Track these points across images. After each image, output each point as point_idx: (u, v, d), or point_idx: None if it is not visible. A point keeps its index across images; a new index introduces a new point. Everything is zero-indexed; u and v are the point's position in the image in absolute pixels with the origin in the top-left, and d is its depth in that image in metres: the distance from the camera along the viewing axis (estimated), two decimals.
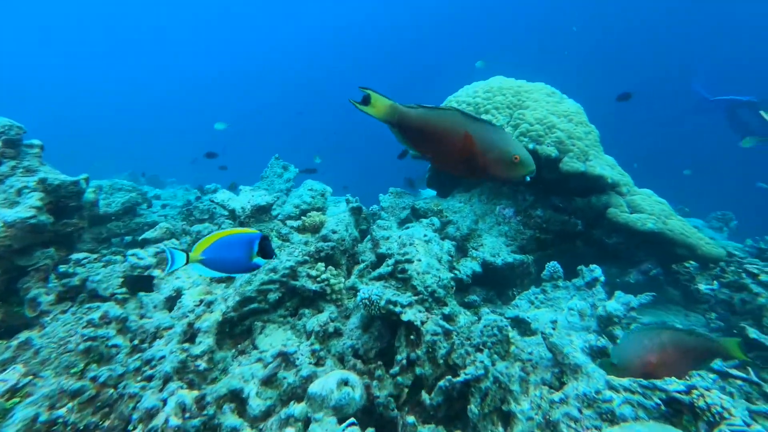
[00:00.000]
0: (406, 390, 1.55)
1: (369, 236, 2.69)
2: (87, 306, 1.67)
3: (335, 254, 2.30)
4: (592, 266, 2.44)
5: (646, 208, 2.67)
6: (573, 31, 19.03)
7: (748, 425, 1.16)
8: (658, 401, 1.36)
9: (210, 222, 2.79)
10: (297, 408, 1.20)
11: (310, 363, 1.58)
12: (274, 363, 1.42)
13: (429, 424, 1.50)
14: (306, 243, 2.09)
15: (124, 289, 1.69)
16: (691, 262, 2.55)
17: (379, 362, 1.56)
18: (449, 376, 1.57)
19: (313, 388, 1.25)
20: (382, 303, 1.72)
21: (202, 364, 1.40)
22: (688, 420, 1.31)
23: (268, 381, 1.39)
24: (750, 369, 1.57)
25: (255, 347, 1.56)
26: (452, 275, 2.36)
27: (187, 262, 1.10)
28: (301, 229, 2.17)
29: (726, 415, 1.20)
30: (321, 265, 2.01)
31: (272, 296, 1.69)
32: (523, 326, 2.42)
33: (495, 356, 1.81)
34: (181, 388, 1.31)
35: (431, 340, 1.70)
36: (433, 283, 2.20)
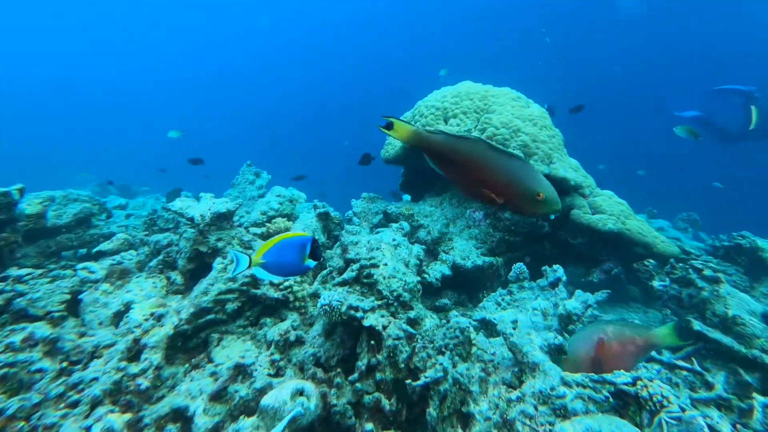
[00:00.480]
0: (367, 396, 1.56)
1: (339, 242, 2.71)
2: (10, 328, 1.58)
3: None
4: (555, 266, 2.52)
5: (607, 209, 2.79)
6: (546, 42, 19.68)
7: (684, 411, 1.23)
8: (607, 394, 1.42)
9: (174, 231, 2.74)
10: (247, 422, 1.20)
11: (268, 374, 1.57)
12: (225, 376, 1.41)
13: (388, 430, 1.51)
14: None
15: (62, 307, 1.63)
16: (650, 260, 2.67)
17: (338, 370, 1.57)
18: (409, 380, 1.59)
19: (266, 400, 1.25)
20: (344, 309, 1.73)
21: (144, 382, 1.36)
22: (633, 410, 1.37)
23: (218, 396, 1.37)
24: (694, 360, 1.66)
25: (210, 360, 1.54)
26: (419, 279, 2.40)
27: (250, 265, 1.15)
28: (264, 236, 2.16)
29: (665, 403, 1.27)
30: None
31: (231, 306, 1.68)
32: (490, 327, 2.47)
33: (456, 358, 1.85)
34: (112, 412, 1.27)
35: (392, 345, 1.72)
36: (399, 287, 2.23)
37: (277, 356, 1.63)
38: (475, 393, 1.62)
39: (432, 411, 1.51)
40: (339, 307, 1.72)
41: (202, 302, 1.62)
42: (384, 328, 1.82)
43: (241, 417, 1.23)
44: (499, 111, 3.11)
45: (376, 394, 1.57)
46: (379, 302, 2.06)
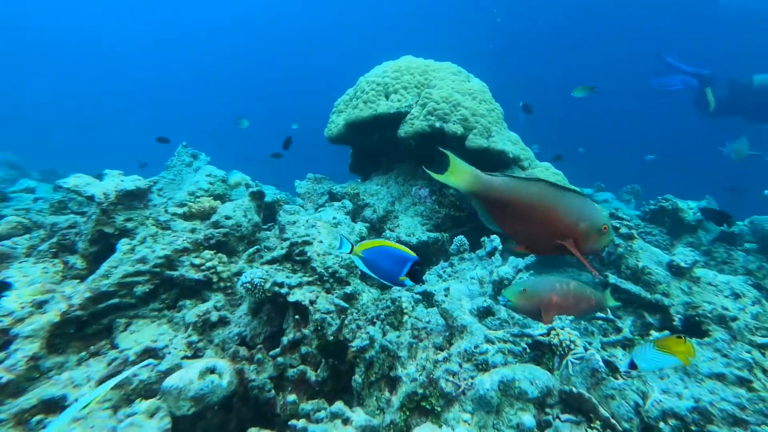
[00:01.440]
0: (291, 369, 1.56)
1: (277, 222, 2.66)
2: None
3: (229, 241, 2.24)
4: (492, 236, 2.62)
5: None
6: (497, 22, 20.06)
7: (586, 350, 1.33)
8: (525, 346, 1.50)
9: (80, 214, 2.55)
10: (143, 405, 1.15)
11: (184, 356, 1.53)
12: (118, 361, 1.35)
13: (314, 399, 1.52)
14: (192, 230, 2.01)
15: None
16: None
17: (260, 346, 1.55)
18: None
19: (169, 381, 1.21)
20: (267, 286, 1.70)
21: (6, 376, 1.26)
22: (548, 357, 1.46)
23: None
24: (608, 310, 1.79)
25: (114, 347, 1.47)
26: None
27: (351, 252, 1.22)
28: (187, 216, 2.07)
29: (572, 346, 1.36)
30: (207, 253, 1.94)
31: (140, 289, 1.60)
32: (430, 299, 2.53)
33: (387, 327, 1.88)
34: None
35: (320, 318, 1.72)
36: (334, 264, 2.23)
37: (194, 338, 1.58)
38: (404, 358, 1.66)
39: (357, 377, 1.53)
40: (262, 284, 1.69)
41: (101, 286, 1.53)
42: (311, 302, 1.81)
43: (137, 401, 1.19)
44: (439, 86, 3.15)
45: (301, 367, 1.57)
46: (311, 278, 2.05)
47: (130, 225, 1.76)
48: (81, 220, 1.86)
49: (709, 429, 1.04)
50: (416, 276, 1.21)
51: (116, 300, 1.55)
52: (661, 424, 1.14)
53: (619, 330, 1.64)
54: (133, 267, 1.59)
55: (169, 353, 1.48)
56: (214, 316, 1.70)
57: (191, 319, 1.63)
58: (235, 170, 4.16)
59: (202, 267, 1.85)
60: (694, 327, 1.53)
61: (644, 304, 1.68)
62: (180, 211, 2.05)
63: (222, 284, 1.90)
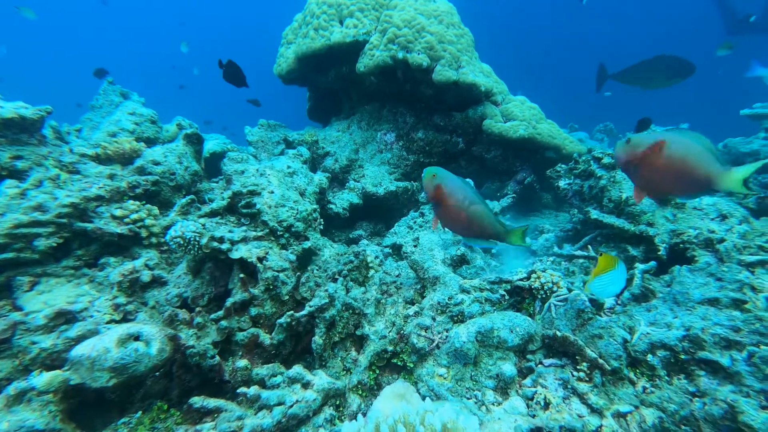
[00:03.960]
0: (240, 333, 1.43)
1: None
2: None
3: (162, 191, 2.00)
4: (467, 180, 2.52)
5: (518, 114, 2.80)
6: None
7: (570, 291, 1.28)
8: (503, 292, 1.43)
9: None
10: (43, 376, 0.99)
11: (111, 320, 1.35)
12: (2, 325, 1.16)
13: (271, 363, 1.41)
14: (111, 176, 1.76)
15: None
16: (561, 165, 2.76)
17: (198, 309, 1.40)
18: (290, 312, 1.48)
19: (79, 350, 1.05)
20: (204, 240, 1.52)
21: None
22: (528, 302, 1.41)
23: None
24: (590, 247, 1.76)
25: (17, 308, 1.27)
26: (316, 207, 2.25)
27: None
28: (102, 159, 1.80)
29: (555, 288, 1.31)
30: (132, 204, 1.71)
31: (43, 243, 1.38)
32: (401, 251, 2.44)
33: (351, 283, 1.78)
34: None
35: (271, 276, 1.58)
36: (289, 217, 2.06)
37: (122, 299, 1.41)
38: (370, 315, 1.57)
39: (317, 339, 1.43)
40: (196, 238, 1.50)
41: None
42: (260, 259, 1.66)
43: (33, 374, 1.02)
44: (400, 6, 2.88)
45: (252, 330, 1.44)
46: (260, 233, 1.89)
47: (20, 164, 1.49)
48: None
49: (700, 355, 1.02)
50: None
51: (10, 254, 1.32)
52: (649, 357, 1.12)
53: None
54: (26, 215, 1.35)
55: (91, 316, 1.30)
56: (145, 275, 1.52)
57: (116, 278, 1.44)
58: (179, 116, 3.76)
59: (126, 219, 1.63)
60: (679, 255, 1.52)
61: (627, 237, 1.65)
62: (90, 152, 1.77)
63: (154, 239, 1.70)
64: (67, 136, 2.21)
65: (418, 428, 0.77)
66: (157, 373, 1.25)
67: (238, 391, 1.21)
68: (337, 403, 1.33)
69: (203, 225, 1.58)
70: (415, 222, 2.66)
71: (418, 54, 2.78)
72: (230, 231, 1.68)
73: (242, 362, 1.34)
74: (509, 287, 1.47)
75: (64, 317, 1.29)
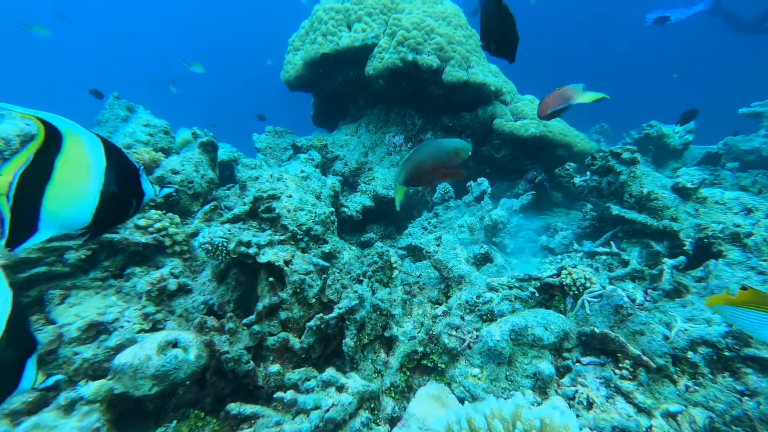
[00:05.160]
0: (270, 338, 1.41)
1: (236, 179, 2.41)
2: None
3: (181, 200, 1.99)
4: (480, 179, 2.51)
5: (529, 113, 2.79)
6: None
7: (605, 288, 1.26)
8: (533, 290, 1.42)
9: None
10: (90, 386, 0.97)
11: (141, 329, 1.33)
12: (47, 338, 1.14)
13: (301, 367, 1.39)
14: None
15: None
16: (570, 164, 2.75)
17: (230, 314, 1.38)
18: (320, 314, 1.47)
19: (121, 358, 1.03)
20: (231, 246, 1.50)
21: None
22: (558, 299, 1.39)
23: (38, 362, 1.09)
24: (612, 243, 1.74)
25: (50, 322, 1.25)
26: (332, 210, 2.23)
27: None
28: None
29: (588, 284, 1.29)
30: (154, 213, 1.70)
31: (74, 255, 1.36)
32: (417, 252, 2.43)
33: (376, 284, 1.76)
34: None
35: (298, 279, 1.56)
36: (308, 221, 2.04)
37: (151, 308, 1.39)
38: (398, 315, 1.55)
39: (348, 341, 1.41)
40: (224, 243, 1.49)
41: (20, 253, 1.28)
42: (287, 263, 1.64)
43: (82, 382, 1.00)
44: (408, 9, 2.87)
45: (282, 334, 1.42)
46: (282, 237, 1.87)
47: None
48: None
49: (746, 352, 1.01)
50: None
51: (43, 268, 1.30)
52: (690, 354, 1.10)
53: (625, 263, 1.59)
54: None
55: (122, 327, 1.28)
56: (172, 284, 1.50)
57: (144, 287, 1.43)
58: (183, 127, 3.74)
59: (150, 229, 1.61)
60: (703, 250, 1.51)
61: (650, 233, 1.64)
62: None
63: (177, 248, 1.68)
64: None
65: (516, 425, 0.74)
66: (188, 382, 1.23)
67: (274, 396, 1.19)
68: (372, 406, 1.31)
69: (228, 230, 1.56)
70: (429, 222, 2.64)
71: (428, 55, 2.77)
72: (254, 235, 1.66)
73: (275, 367, 1.32)
74: (538, 284, 1.45)
75: (96, 329, 1.27)
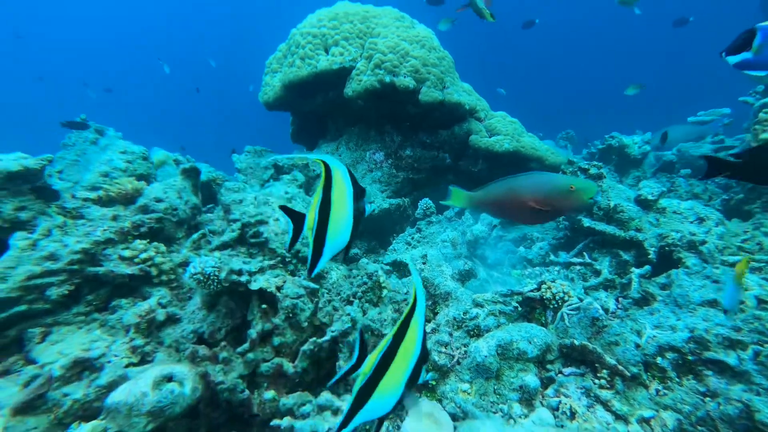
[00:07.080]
0: (264, 364, 1.42)
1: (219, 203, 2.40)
2: None
3: (165, 228, 1.97)
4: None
5: (502, 129, 2.90)
6: None
7: (581, 300, 1.34)
8: (516, 304, 1.48)
9: None
10: (84, 428, 0.96)
11: (129, 363, 1.32)
12: (40, 379, 1.12)
13: (295, 392, 1.40)
14: (114, 217, 1.72)
15: None
16: None
17: (223, 343, 1.38)
18: (314, 338, 1.49)
19: (115, 396, 1.02)
20: (223, 275, 1.51)
21: None
22: (539, 312, 1.46)
23: (27, 407, 1.07)
24: (585, 254, 1.84)
25: (30, 361, 1.22)
26: None
27: None
28: (103, 201, 1.76)
29: (566, 298, 1.36)
30: (139, 243, 1.68)
31: (56, 292, 1.34)
32: (402, 268, 2.47)
33: (366, 305, 1.79)
34: None
35: (290, 304, 1.58)
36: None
37: (139, 341, 1.37)
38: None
39: (342, 363, 1.43)
40: (216, 273, 1.49)
41: None
42: (278, 288, 1.66)
43: (74, 424, 0.99)
44: (383, 33, 2.95)
45: (276, 360, 1.43)
46: (272, 262, 1.88)
47: (24, 215, 1.44)
48: None
49: (706, 355, 1.09)
50: None
51: (23, 307, 1.27)
52: (659, 359, 1.18)
53: (597, 272, 1.69)
54: (39, 266, 1.30)
55: (109, 362, 1.26)
56: (160, 314, 1.49)
57: (131, 320, 1.41)
58: (156, 147, 3.68)
59: (135, 259, 1.60)
60: (666, 257, 1.62)
61: (618, 243, 1.74)
62: (92, 195, 1.73)
63: (164, 277, 1.67)
64: (49, 179, 2.14)
65: None
66: (180, 416, 1.23)
67: (271, 423, 1.20)
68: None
69: (219, 259, 1.56)
70: (412, 238, 2.70)
71: (405, 77, 2.85)
72: (245, 262, 1.67)
73: (270, 393, 1.33)
74: (520, 299, 1.52)
75: (82, 365, 1.25)
